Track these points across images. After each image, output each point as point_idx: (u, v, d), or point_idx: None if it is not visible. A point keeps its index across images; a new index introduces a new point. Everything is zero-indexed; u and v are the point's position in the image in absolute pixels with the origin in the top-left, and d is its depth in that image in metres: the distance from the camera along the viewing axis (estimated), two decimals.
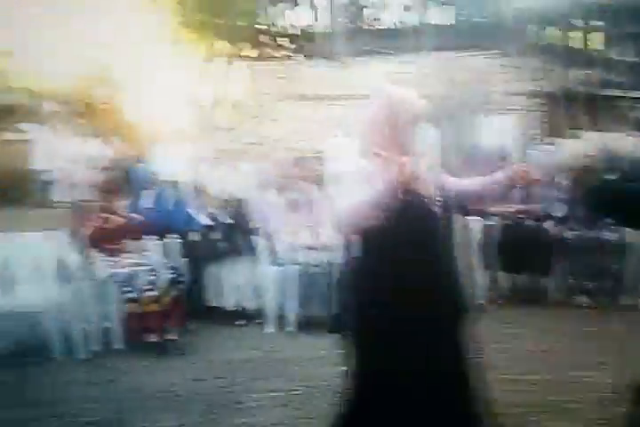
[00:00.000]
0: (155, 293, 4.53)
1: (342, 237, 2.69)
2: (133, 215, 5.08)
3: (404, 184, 2.32)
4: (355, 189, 2.46)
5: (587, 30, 10.69)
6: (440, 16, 13.18)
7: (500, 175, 2.72)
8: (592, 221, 5.21)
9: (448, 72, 10.96)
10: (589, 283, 5.10)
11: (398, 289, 2.47)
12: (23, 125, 11.96)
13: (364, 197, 2.36)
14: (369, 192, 2.36)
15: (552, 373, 3.98)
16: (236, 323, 4.97)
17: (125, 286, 4.54)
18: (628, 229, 5.10)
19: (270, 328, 4.85)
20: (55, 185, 6.11)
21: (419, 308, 2.46)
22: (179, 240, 5.07)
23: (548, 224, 5.28)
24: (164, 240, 5.04)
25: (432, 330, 2.53)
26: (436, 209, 2.55)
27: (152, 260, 4.80)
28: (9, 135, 11.94)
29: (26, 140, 10.47)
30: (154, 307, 4.50)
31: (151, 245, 5.01)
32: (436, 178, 2.65)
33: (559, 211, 5.32)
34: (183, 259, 5.02)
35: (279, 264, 4.91)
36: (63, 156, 6.06)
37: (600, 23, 9.88)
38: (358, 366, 2.61)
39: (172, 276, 4.64)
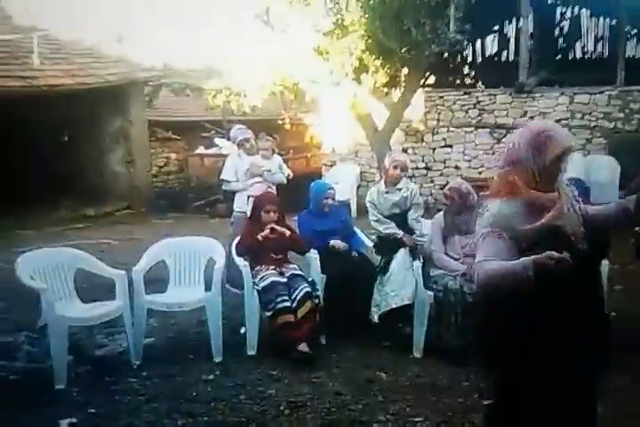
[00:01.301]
0: (293, 305, 4.64)
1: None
2: (291, 229, 5.23)
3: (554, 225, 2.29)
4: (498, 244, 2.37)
5: None
6: (634, 48, 12.43)
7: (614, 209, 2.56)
8: None
9: (638, 106, 10.29)
10: None
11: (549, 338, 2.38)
12: (217, 140, 12.95)
13: (510, 269, 2.28)
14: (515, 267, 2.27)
15: None
16: (384, 344, 4.93)
17: (268, 296, 4.69)
18: None
19: (417, 353, 4.76)
20: (237, 196, 6.48)
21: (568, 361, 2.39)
22: (316, 255, 5.12)
23: None
24: (308, 255, 5.15)
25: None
26: (581, 245, 2.43)
27: (301, 273, 4.95)
28: (203, 149, 13.00)
29: (219, 155, 11.33)
30: (288, 318, 4.60)
31: (305, 259, 5.16)
32: (579, 211, 2.52)
33: None
34: (323, 275, 5.07)
35: (433, 289, 4.83)
36: (246, 171, 6.40)
37: None
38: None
39: (308, 290, 4.73)
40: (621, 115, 10.37)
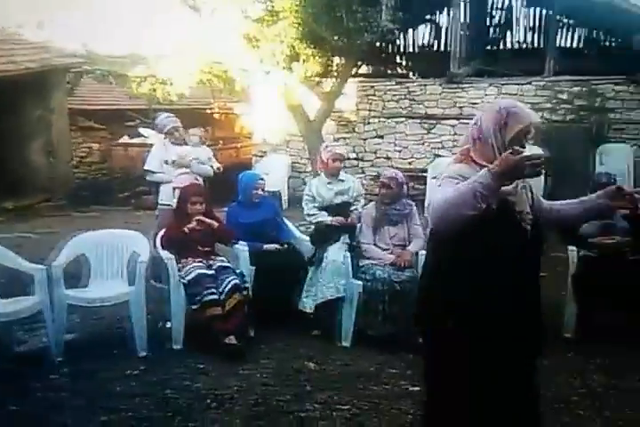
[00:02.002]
0: (221, 297, 4.71)
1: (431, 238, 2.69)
2: (219, 221, 5.27)
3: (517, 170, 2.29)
4: (450, 189, 2.41)
5: None
6: (567, 38, 12.89)
7: (598, 196, 2.72)
8: None
9: (567, 96, 10.72)
10: None
11: (477, 301, 2.49)
12: (142, 130, 12.79)
13: (460, 194, 2.32)
14: (464, 192, 2.32)
15: (630, 411, 3.85)
16: (313, 333, 5.05)
17: (195, 289, 4.73)
18: None
19: (346, 342, 4.89)
20: (162, 188, 6.44)
21: (499, 323, 2.51)
22: (246, 248, 5.20)
23: None
24: (236, 246, 5.20)
25: (508, 353, 2.57)
26: (527, 227, 2.58)
27: (229, 265, 5.01)
28: (127, 139, 12.82)
29: (144, 144, 11.20)
30: (216, 311, 4.66)
31: (234, 251, 5.22)
32: (531, 197, 2.68)
33: None
34: (252, 267, 5.15)
35: (362, 278, 4.97)
36: (172, 162, 6.37)
37: None
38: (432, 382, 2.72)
39: (236, 282, 4.79)
40: (549, 105, 10.77)
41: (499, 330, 2.53)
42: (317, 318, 5.06)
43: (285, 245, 5.47)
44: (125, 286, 4.96)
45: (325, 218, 5.33)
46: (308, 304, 5.06)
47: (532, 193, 2.71)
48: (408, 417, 3.67)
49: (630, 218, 5.18)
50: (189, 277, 4.81)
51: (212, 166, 6.72)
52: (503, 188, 2.37)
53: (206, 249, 5.10)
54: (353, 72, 11.16)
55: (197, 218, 5.03)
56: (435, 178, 6.99)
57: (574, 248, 5.22)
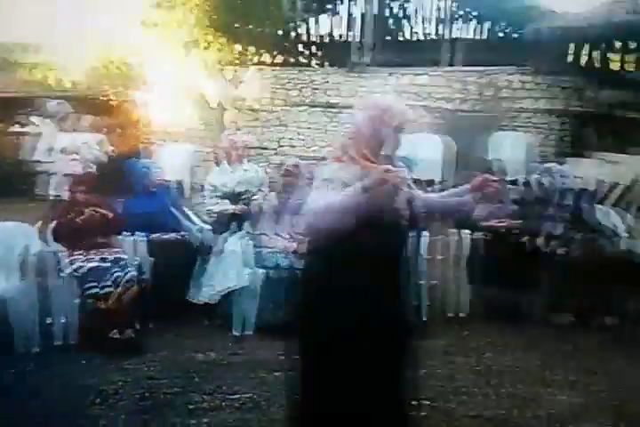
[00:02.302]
0: (117, 289, 4.54)
1: (307, 241, 2.75)
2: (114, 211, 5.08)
3: (381, 193, 2.37)
4: (329, 192, 2.46)
5: (621, 52, 10.66)
6: (471, 30, 13.20)
7: (464, 187, 2.87)
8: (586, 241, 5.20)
9: (474, 87, 11.00)
10: (575, 300, 5.06)
11: (351, 298, 2.50)
12: (33, 118, 12.24)
13: (337, 199, 2.38)
14: (343, 196, 2.38)
15: (521, 388, 3.98)
16: (205, 324, 4.96)
17: (89, 282, 4.56)
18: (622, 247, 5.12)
19: (237, 331, 4.83)
20: (53, 178, 6.17)
21: (369, 321, 2.52)
22: (145, 238, 5.05)
23: (538, 241, 5.26)
24: (133, 238, 5.02)
25: (379, 344, 2.56)
26: (404, 222, 2.63)
27: (125, 257, 4.82)
28: (18, 127, 12.24)
29: (34, 133, 10.72)
30: (111, 304, 4.51)
31: (129, 242, 5.03)
32: (408, 191, 2.73)
33: (555, 229, 5.29)
34: (150, 258, 5.00)
35: (259, 267, 4.93)
36: (62, 149, 6.11)
37: (634, 45, 9.85)
38: (304, 374, 2.68)
39: (133, 273, 4.64)
40: (446, 94, 11.03)
41: (374, 329, 2.54)
42: (211, 307, 4.97)
43: (185, 235, 5.35)
44: (16, 280, 4.70)
45: (227, 206, 5.25)
46: (206, 295, 4.96)
47: (409, 188, 2.78)
48: None
49: (517, 203, 5.41)
50: (83, 270, 4.61)
51: (105, 152, 6.50)
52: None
53: (101, 241, 4.91)
54: (255, 60, 11.06)
55: (91, 209, 4.85)
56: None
57: (468, 231, 5.36)
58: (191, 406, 3.69)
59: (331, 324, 2.53)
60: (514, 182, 5.85)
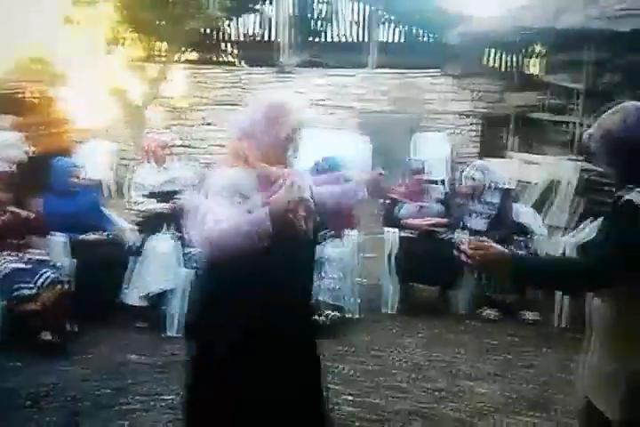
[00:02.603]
0: (40, 291, 4.40)
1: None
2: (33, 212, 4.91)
3: (287, 203, 2.17)
4: (225, 205, 2.27)
5: (528, 55, 11.05)
6: (387, 33, 13.41)
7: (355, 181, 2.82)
8: (506, 236, 5.36)
9: (390, 88, 11.19)
10: (498, 296, 5.21)
11: (253, 307, 2.34)
12: None
13: (239, 223, 2.20)
14: (245, 221, 2.21)
15: (445, 382, 4.08)
16: (137, 325, 4.88)
17: (13, 283, 4.40)
18: (536, 246, 5.30)
19: (170, 332, 4.77)
20: None
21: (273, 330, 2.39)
22: (66, 239, 4.91)
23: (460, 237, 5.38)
24: (54, 238, 4.88)
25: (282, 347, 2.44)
26: (302, 224, 2.38)
27: (47, 258, 4.68)
28: None
29: None
30: (38, 305, 4.37)
31: (51, 242, 4.88)
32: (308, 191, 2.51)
33: (477, 225, 5.44)
34: (73, 259, 4.87)
35: (187, 267, 4.87)
36: None
37: (541, 48, 10.21)
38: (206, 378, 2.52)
39: (55, 275, 4.51)
40: (372, 96, 11.19)
41: (278, 332, 2.42)
42: (142, 309, 4.89)
43: (108, 236, 5.23)
44: None
45: (153, 205, 5.16)
46: (134, 297, 4.87)
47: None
48: None
49: (441, 201, 5.54)
50: (5, 272, 4.44)
51: (25, 151, 6.25)
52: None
53: (21, 242, 4.74)
54: (179, 58, 10.92)
55: (10, 209, 4.68)
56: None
57: (394, 230, 5.45)
58: (124, 408, 3.64)
59: (231, 325, 2.38)
60: (438, 182, 5.98)
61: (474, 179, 5.40)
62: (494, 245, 1.99)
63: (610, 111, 2.12)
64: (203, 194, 2.39)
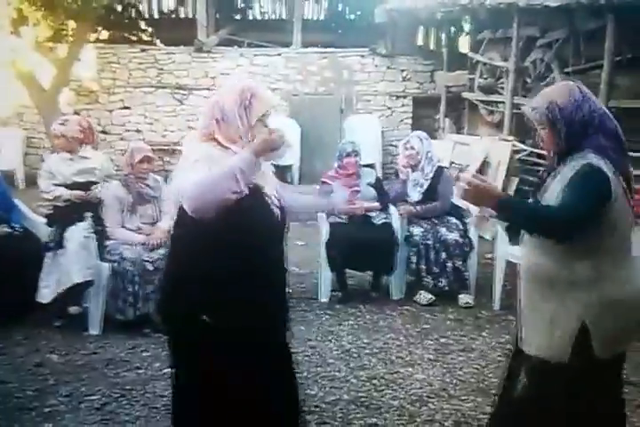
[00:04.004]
0: None
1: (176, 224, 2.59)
2: None
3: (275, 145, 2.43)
4: (199, 172, 2.36)
5: (458, 34, 11.27)
6: (311, 10, 13.45)
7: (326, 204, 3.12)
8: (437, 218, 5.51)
9: (318, 68, 11.21)
10: (433, 281, 5.35)
11: (226, 287, 2.45)
12: None
13: (219, 178, 2.32)
14: (223, 175, 2.32)
15: (383, 369, 4.16)
16: (55, 324, 4.79)
17: None
18: (471, 231, 5.46)
19: (92, 330, 4.71)
20: None
21: (244, 308, 2.48)
22: None
23: (394, 224, 5.50)
24: None
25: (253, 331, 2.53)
26: (275, 209, 2.60)
27: None
28: None
29: None
30: None
31: None
32: (274, 180, 2.74)
33: (414, 196, 5.59)
34: None
35: (109, 260, 4.80)
36: None
37: (470, 26, 10.42)
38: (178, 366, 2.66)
39: None
40: (299, 77, 11.19)
41: (249, 317, 2.50)
42: (59, 306, 4.80)
43: (18, 229, 5.08)
44: None
45: (63, 192, 5.01)
46: (47, 295, 4.75)
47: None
48: (162, 400, 3.64)
49: (374, 186, 5.63)
50: None
51: None
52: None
53: None
54: (90, 37, 10.66)
55: None
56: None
57: (324, 215, 5.50)
58: (47, 410, 3.60)
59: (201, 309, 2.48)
60: (369, 166, 6.07)
61: (413, 148, 5.56)
62: (486, 182, 2.35)
63: (553, 86, 2.56)
64: (179, 169, 2.50)
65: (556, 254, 2.40)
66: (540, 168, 6.78)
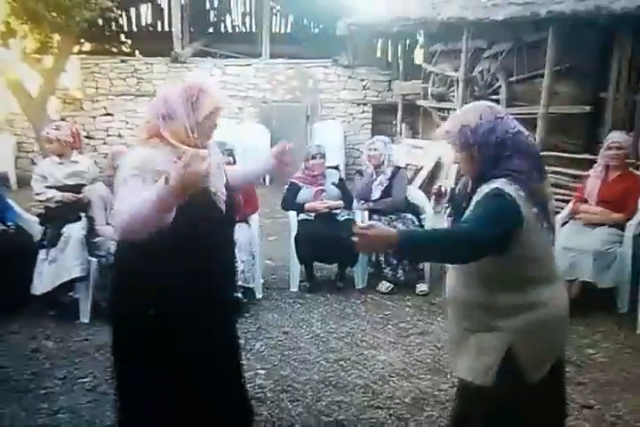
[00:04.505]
0: None
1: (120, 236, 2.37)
2: None
3: (194, 179, 2.03)
4: (134, 198, 2.14)
5: (412, 46, 11.37)
6: (278, 24, 13.46)
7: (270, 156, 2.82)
8: (394, 213, 5.59)
9: (285, 78, 11.24)
10: (391, 271, 5.43)
11: (173, 289, 2.32)
12: None
13: (144, 209, 2.09)
14: (149, 207, 2.09)
15: (349, 352, 4.25)
16: (50, 313, 4.80)
17: None
18: (426, 224, 5.55)
19: (85, 318, 4.73)
20: None
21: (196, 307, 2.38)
22: None
23: (357, 217, 5.58)
24: None
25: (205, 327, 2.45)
26: (221, 206, 2.46)
27: None
28: None
29: None
30: None
31: None
32: (225, 176, 2.58)
33: (376, 194, 5.67)
34: None
35: (98, 255, 4.81)
36: None
37: (424, 39, 10.52)
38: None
39: None
40: (268, 86, 11.21)
41: (198, 313, 2.41)
42: (53, 297, 4.79)
43: (12, 227, 5.05)
44: None
45: (55, 194, 5.01)
46: (41, 288, 4.74)
47: (224, 172, 2.60)
48: None
49: (338, 186, 5.69)
50: None
51: None
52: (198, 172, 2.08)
53: None
54: (74, 49, 10.55)
55: None
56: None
57: (294, 213, 5.56)
58: (43, 391, 3.63)
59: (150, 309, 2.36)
60: (334, 167, 6.11)
61: (377, 149, 5.69)
62: (380, 225, 2.08)
63: (465, 108, 2.29)
64: (118, 181, 2.29)
65: (479, 285, 2.21)
66: None
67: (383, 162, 5.71)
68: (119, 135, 11.09)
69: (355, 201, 5.71)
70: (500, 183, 2.11)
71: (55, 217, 4.97)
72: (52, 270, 4.72)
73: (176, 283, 2.32)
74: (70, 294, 4.77)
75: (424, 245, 2.07)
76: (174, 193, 2.03)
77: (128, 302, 2.42)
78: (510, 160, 2.13)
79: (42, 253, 4.80)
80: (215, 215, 2.42)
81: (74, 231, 4.80)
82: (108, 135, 11.09)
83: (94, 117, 11.04)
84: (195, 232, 2.30)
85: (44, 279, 4.72)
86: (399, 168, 5.83)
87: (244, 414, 2.79)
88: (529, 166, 2.14)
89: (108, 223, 4.95)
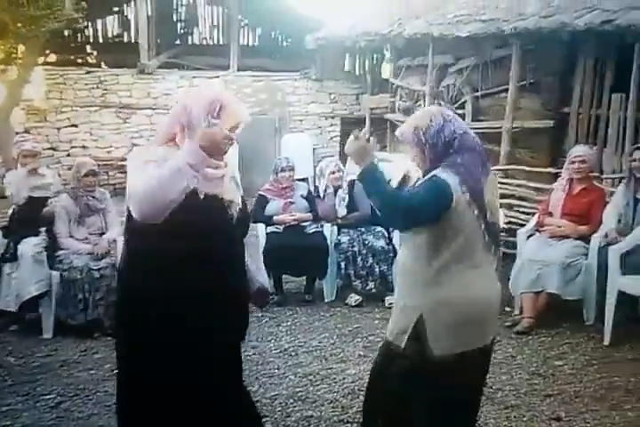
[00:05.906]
0: None
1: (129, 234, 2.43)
2: None
3: (218, 138, 2.15)
4: (152, 172, 2.16)
5: (380, 60, 11.46)
6: (247, 37, 13.48)
7: None
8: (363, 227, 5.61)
9: (254, 90, 11.24)
10: (361, 284, 5.44)
11: (180, 294, 2.33)
12: None
13: (165, 175, 2.12)
14: (170, 171, 2.12)
15: (318, 366, 4.22)
16: (10, 329, 4.70)
17: None
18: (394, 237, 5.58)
19: (47, 334, 4.65)
20: None
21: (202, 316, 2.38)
22: None
23: (326, 230, 5.58)
24: None
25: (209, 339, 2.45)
26: (233, 213, 2.48)
27: None
28: None
29: None
30: None
31: None
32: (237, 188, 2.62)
33: (341, 211, 5.70)
34: None
35: (59, 269, 4.72)
36: None
37: (391, 54, 10.62)
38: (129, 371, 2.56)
39: None
40: (237, 98, 11.16)
41: (205, 318, 2.40)
42: (15, 313, 4.69)
43: None
44: None
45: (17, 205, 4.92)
46: (11, 304, 4.65)
47: (237, 185, 2.64)
48: (114, 398, 3.57)
49: (306, 198, 5.70)
50: None
51: None
52: (211, 178, 2.23)
53: None
54: (39, 60, 10.41)
55: None
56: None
57: (262, 226, 5.53)
58: (5, 408, 3.57)
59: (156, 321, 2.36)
60: (302, 180, 6.14)
61: (339, 170, 5.76)
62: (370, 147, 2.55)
63: (419, 112, 2.68)
64: (131, 169, 2.32)
65: (414, 252, 2.50)
66: None
67: (342, 179, 5.75)
68: (83, 147, 10.93)
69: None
70: (436, 171, 2.46)
71: (17, 230, 4.88)
72: (15, 286, 4.63)
73: (181, 286, 2.34)
74: (40, 310, 4.68)
75: (376, 184, 2.47)
76: (194, 155, 2.13)
77: (135, 305, 2.42)
78: (455, 156, 2.46)
79: (6, 267, 4.71)
80: (225, 222, 2.44)
81: (27, 248, 4.69)
82: (72, 147, 10.91)
83: (59, 129, 10.87)
84: (199, 234, 2.31)
85: (10, 295, 4.62)
86: (354, 180, 5.84)
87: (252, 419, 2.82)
88: (471, 161, 2.46)
89: (71, 236, 4.88)
